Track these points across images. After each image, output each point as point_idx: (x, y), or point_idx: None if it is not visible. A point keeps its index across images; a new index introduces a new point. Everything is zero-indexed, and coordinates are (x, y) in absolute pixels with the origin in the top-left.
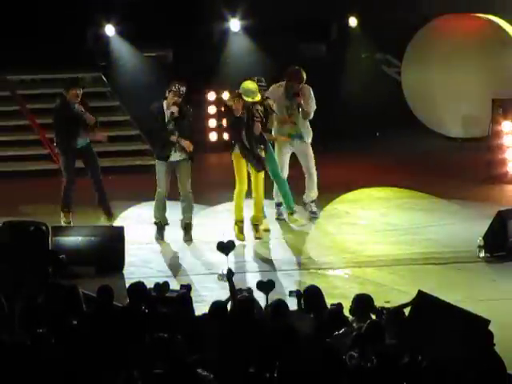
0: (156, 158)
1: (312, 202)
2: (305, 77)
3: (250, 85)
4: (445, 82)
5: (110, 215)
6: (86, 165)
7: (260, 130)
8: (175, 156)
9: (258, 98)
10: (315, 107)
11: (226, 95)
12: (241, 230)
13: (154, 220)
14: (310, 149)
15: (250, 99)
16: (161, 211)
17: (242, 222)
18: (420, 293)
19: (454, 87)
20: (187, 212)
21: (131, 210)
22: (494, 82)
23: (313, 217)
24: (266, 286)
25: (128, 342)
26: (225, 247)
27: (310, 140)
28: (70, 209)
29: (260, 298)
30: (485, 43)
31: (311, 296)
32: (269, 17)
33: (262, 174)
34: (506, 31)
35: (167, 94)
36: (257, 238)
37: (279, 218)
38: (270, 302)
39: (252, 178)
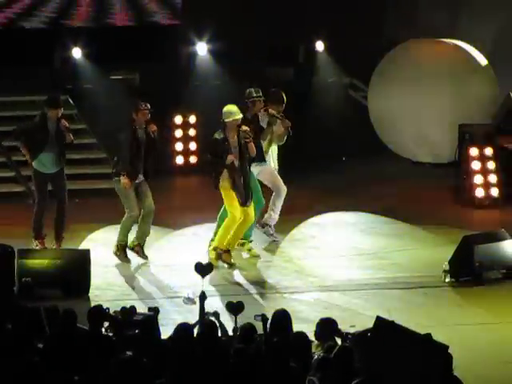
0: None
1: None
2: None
3: (229, 107)
4: (412, 106)
5: (59, 240)
6: (54, 187)
7: (254, 151)
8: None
9: (239, 116)
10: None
11: (192, 119)
12: (221, 257)
13: (121, 243)
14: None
15: (230, 119)
16: (127, 233)
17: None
18: (378, 319)
19: (421, 112)
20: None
21: (97, 233)
22: (461, 107)
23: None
24: (235, 307)
25: (92, 365)
26: (203, 269)
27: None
28: (43, 235)
29: (228, 320)
30: (452, 68)
31: (279, 320)
32: (236, 40)
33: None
34: (473, 56)
35: (135, 116)
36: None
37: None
38: (238, 324)
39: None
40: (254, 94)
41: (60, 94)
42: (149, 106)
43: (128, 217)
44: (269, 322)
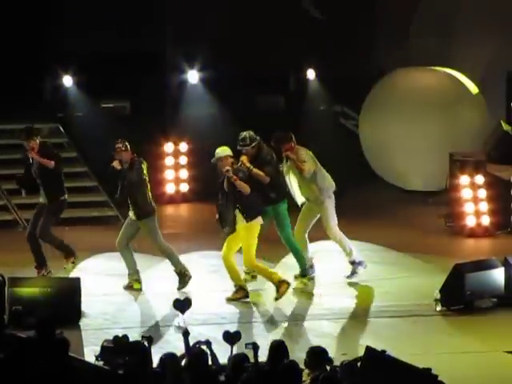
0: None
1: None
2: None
3: (219, 148)
4: (402, 135)
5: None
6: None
7: (245, 188)
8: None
9: (220, 155)
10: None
11: (183, 147)
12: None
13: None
14: (324, 214)
15: (214, 159)
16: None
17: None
18: (368, 349)
19: (412, 140)
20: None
21: (87, 261)
22: (452, 135)
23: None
24: (232, 336)
25: None
26: (181, 305)
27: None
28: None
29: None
30: (442, 97)
31: (276, 350)
32: (227, 69)
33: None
34: (464, 85)
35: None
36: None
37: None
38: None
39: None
40: (240, 143)
41: (32, 125)
42: (117, 145)
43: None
44: (259, 350)
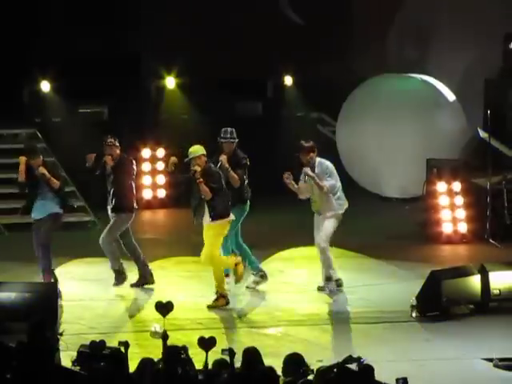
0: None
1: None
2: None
3: (193, 147)
4: (380, 141)
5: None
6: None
7: (206, 193)
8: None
9: (194, 154)
10: (334, 183)
11: (161, 152)
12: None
13: None
14: (327, 223)
15: (188, 159)
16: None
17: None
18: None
19: (389, 147)
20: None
21: (64, 267)
22: (429, 142)
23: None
24: (207, 343)
25: None
26: (163, 308)
27: (331, 213)
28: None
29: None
30: (420, 104)
31: (249, 357)
32: (205, 75)
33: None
34: (441, 91)
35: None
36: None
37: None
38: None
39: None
40: (222, 135)
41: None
42: (109, 139)
43: None
44: (235, 356)
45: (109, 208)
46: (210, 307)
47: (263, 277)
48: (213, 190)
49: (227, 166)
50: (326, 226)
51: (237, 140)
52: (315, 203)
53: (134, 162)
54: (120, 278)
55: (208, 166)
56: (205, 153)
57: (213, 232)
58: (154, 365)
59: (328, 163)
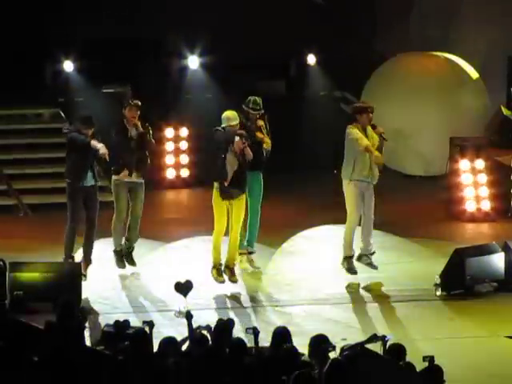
0: (114, 178)
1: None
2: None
3: (226, 112)
4: (403, 119)
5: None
6: (85, 205)
7: (251, 155)
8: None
9: (234, 122)
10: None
11: (184, 132)
12: (219, 273)
13: (115, 250)
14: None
15: (225, 125)
16: (120, 237)
17: (220, 264)
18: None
19: (413, 125)
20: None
21: None
22: (452, 120)
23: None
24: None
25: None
26: (183, 288)
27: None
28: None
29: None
30: (442, 82)
31: (279, 336)
32: (227, 54)
33: (242, 209)
34: (464, 70)
35: (124, 112)
36: (232, 282)
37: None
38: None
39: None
40: (251, 106)
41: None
42: (138, 102)
43: (115, 221)
44: (259, 335)
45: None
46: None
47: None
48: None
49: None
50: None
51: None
52: (372, 169)
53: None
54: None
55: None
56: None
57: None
58: (178, 344)
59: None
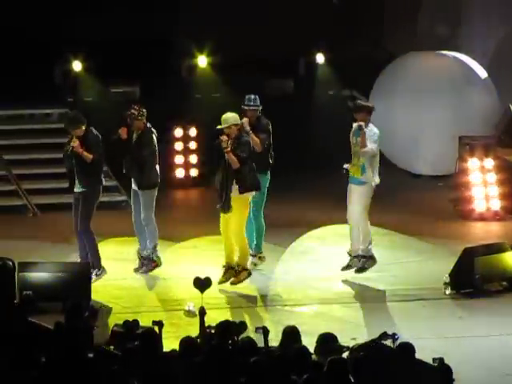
0: (152, 187)
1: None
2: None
3: (226, 114)
4: (412, 119)
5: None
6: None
7: (234, 162)
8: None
9: (223, 125)
10: (374, 149)
11: (193, 132)
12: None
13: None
14: (359, 192)
15: (220, 126)
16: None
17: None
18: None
19: (421, 124)
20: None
21: (99, 246)
22: (462, 119)
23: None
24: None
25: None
26: (202, 284)
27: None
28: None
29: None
30: (452, 81)
31: (289, 335)
32: (236, 53)
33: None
34: (473, 69)
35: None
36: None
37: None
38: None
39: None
40: (245, 102)
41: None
42: (134, 110)
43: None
44: (269, 334)
45: (133, 184)
46: (233, 283)
47: (261, 258)
48: (241, 160)
49: (248, 128)
50: (358, 199)
51: (260, 107)
52: (353, 167)
53: (154, 132)
54: (149, 265)
55: (240, 134)
56: (237, 122)
57: (239, 204)
58: (196, 343)
59: (376, 131)
